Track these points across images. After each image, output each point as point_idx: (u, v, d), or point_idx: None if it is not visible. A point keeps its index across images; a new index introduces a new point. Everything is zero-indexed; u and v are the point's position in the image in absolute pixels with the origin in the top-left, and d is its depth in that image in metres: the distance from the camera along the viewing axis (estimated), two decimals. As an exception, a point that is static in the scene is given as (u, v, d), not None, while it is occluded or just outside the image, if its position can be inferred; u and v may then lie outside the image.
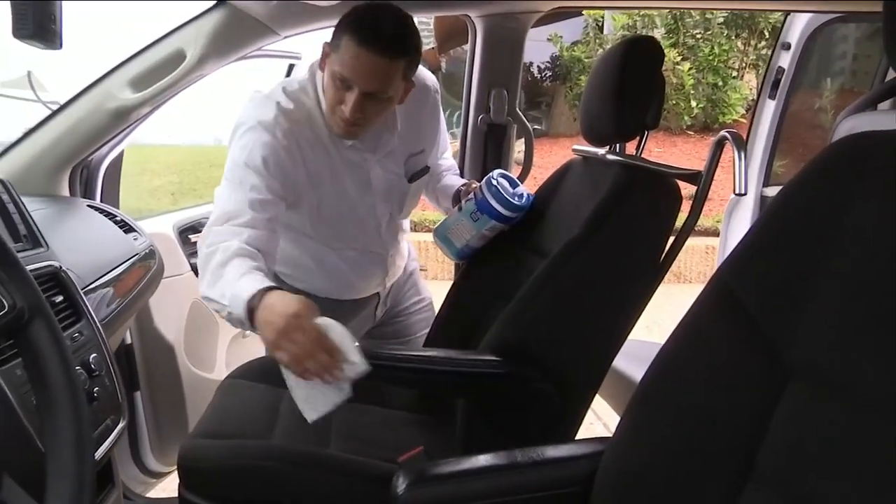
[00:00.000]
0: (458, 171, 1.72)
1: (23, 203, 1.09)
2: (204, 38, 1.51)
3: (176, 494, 1.17)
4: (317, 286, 1.54)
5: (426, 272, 1.76)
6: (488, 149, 1.72)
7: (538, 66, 9.89)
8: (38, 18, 0.94)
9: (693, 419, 0.69)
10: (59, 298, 0.99)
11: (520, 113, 1.74)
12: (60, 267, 1.03)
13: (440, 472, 0.81)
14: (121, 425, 0.98)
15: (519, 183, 1.45)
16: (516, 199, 1.40)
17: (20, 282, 0.58)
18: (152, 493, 1.88)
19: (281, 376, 1.40)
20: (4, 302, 0.57)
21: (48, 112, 1.62)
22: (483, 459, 0.80)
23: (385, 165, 1.46)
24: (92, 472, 0.58)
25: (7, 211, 1.03)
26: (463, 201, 1.47)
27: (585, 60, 8.61)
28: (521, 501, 0.77)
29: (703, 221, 6.16)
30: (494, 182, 1.40)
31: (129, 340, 1.75)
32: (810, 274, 0.64)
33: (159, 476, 1.89)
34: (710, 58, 7.78)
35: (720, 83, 7.85)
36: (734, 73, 8.14)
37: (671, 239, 1.22)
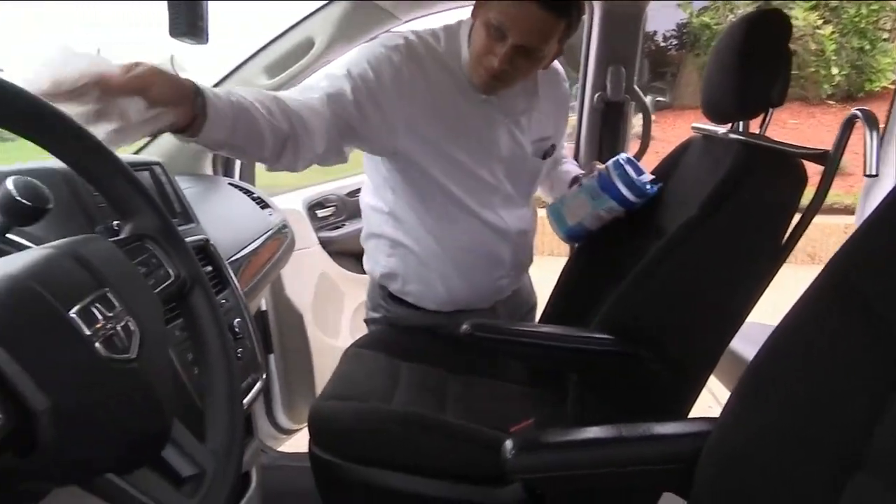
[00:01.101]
0: (573, 161, 1.73)
1: (176, 183, 1.22)
2: (331, 26, 1.60)
3: (302, 450, 1.28)
4: (431, 282, 1.47)
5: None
6: (605, 126, 1.70)
7: (663, 35, 9.50)
8: (190, 18, 1.05)
9: (802, 404, 0.68)
10: (209, 269, 1.11)
11: (638, 90, 1.71)
12: (208, 240, 1.15)
13: (548, 441, 0.84)
14: (260, 382, 1.09)
15: (645, 171, 1.43)
16: (640, 185, 1.38)
17: (184, 255, 0.68)
18: (282, 448, 2.04)
19: (399, 347, 1.49)
20: (171, 272, 0.67)
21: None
22: (590, 431, 0.83)
23: (513, 133, 1.43)
24: (242, 422, 0.67)
25: (164, 190, 1.16)
26: (584, 179, 1.47)
27: (714, 27, 8.18)
28: (626, 474, 0.80)
29: (844, 199, 5.70)
30: (622, 163, 1.39)
31: (263, 307, 1.90)
32: None
33: (289, 433, 2.04)
34: (856, 19, 7.13)
35: (867, 47, 7.20)
36: (885, 36, 7.43)
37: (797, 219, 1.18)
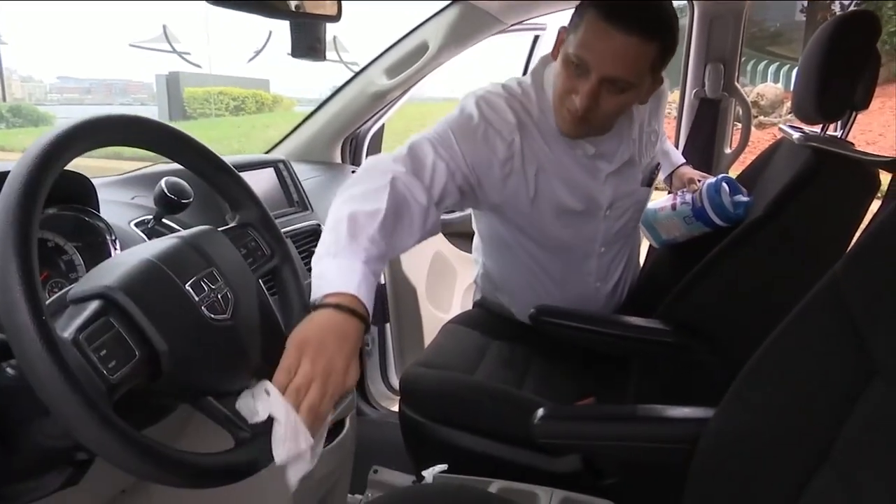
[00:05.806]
0: (668, 142, 1.68)
1: (296, 176, 1.45)
2: (443, 32, 1.76)
3: None
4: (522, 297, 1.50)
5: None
6: (703, 123, 1.73)
7: (841, 3, 8.81)
8: (310, 41, 1.25)
9: (784, 402, 0.76)
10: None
11: (738, 87, 1.71)
12: (320, 224, 1.37)
13: (570, 414, 0.97)
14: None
15: (741, 189, 1.42)
16: (733, 207, 1.38)
17: (277, 239, 0.88)
18: (395, 408, 2.28)
19: (492, 326, 1.62)
20: (266, 252, 0.87)
21: (349, 71, 1.99)
22: (609, 409, 0.95)
23: (621, 174, 1.32)
24: None
25: (286, 183, 1.39)
26: (678, 201, 1.48)
27: (901, -4, 7.40)
28: (630, 448, 0.91)
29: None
30: (716, 190, 1.39)
31: (382, 281, 2.12)
32: None
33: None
34: None
35: None
36: None
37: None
